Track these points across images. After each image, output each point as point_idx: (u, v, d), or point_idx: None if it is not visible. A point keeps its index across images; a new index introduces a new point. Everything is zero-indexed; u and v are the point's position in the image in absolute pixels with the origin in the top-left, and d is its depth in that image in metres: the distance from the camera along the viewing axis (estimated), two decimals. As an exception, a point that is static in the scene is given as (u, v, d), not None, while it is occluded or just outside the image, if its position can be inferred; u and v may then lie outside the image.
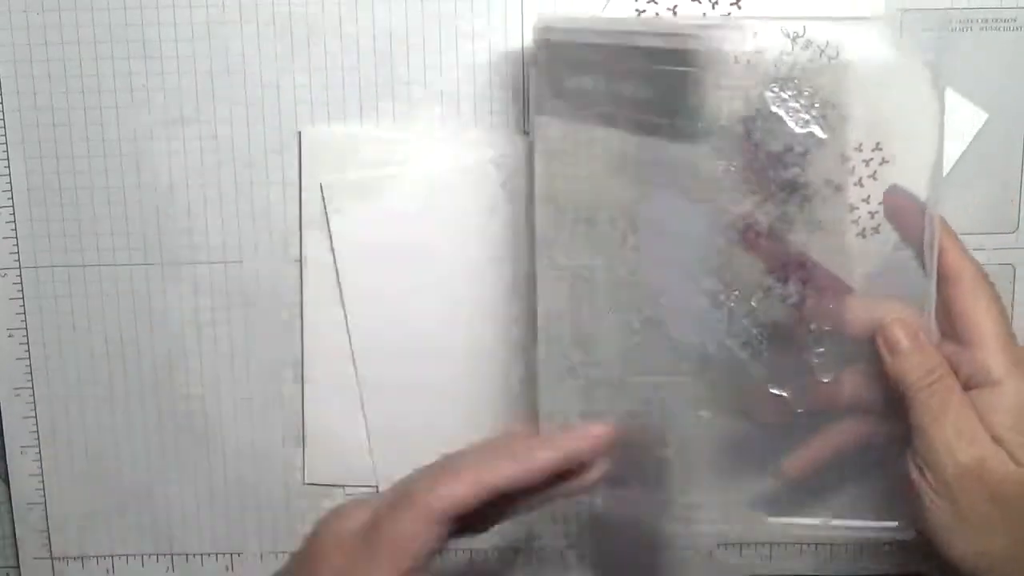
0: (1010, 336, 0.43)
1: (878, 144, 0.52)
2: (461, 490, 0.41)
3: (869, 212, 0.53)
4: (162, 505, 0.55)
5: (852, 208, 0.52)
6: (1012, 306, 0.54)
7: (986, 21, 0.52)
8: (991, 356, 0.42)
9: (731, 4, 0.51)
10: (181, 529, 0.56)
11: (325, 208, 0.52)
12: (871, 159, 0.52)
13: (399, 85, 0.52)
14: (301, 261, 0.53)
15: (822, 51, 0.51)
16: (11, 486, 0.55)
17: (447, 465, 0.43)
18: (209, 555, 0.56)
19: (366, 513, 0.42)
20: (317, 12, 0.51)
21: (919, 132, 0.52)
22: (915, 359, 0.42)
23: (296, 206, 0.52)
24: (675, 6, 0.51)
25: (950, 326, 0.44)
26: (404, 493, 0.41)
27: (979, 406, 0.41)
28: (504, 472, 0.42)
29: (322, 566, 0.41)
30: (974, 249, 0.53)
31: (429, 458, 0.49)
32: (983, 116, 0.52)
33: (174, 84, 0.51)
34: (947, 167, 0.53)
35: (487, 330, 0.53)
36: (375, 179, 0.52)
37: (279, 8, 0.51)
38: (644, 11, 0.51)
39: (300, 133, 0.52)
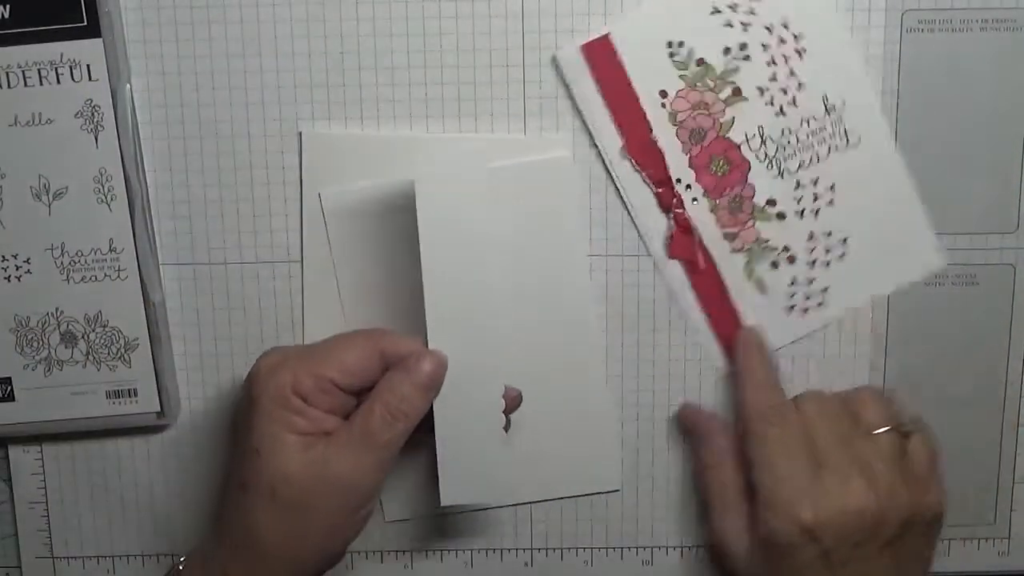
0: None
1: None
2: (404, 344, 0.47)
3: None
4: (162, 505, 0.55)
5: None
6: (1012, 306, 0.54)
7: (986, 21, 0.52)
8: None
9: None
10: (181, 529, 0.56)
11: (324, 208, 0.52)
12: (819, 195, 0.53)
13: (399, 86, 0.52)
14: (301, 261, 0.53)
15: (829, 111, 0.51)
16: (13, 486, 0.55)
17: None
18: (209, 555, 0.56)
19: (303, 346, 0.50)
20: (318, 12, 0.51)
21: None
22: (703, 444, 0.52)
23: (296, 206, 0.53)
24: None
25: None
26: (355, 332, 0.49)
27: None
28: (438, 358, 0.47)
29: (256, 366, 0.47)
30: (974, 249, 0.53)
31: (426, 456, 0.49)
32: (984, 116, 0.52)
33: (174, 83, 0.52)
34: (949, 166, 0.53)
35: (484, 331, 0.53)
36: (374, 179, 0.52)
37: (280, 8, 0.51)
38: None
39: (300, 133, 0.52)
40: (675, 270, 0.53)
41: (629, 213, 0.53)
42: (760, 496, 0.49)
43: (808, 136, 0.52)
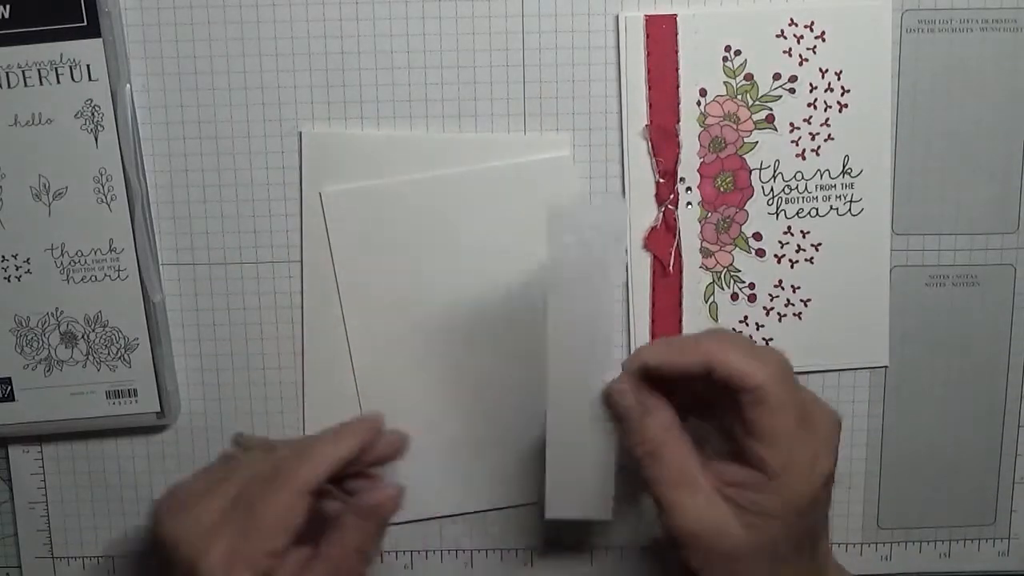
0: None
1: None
2: (323, 465, 0.44)
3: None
4: (163, 505, 0.55)
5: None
6: (1012, 306, 0.54)
7: (986, 21, 0.52)
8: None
9: None
10: (182, 529, 0.56)
11: (324, 208, 0.52)
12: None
13: (399, 86, 0.52)
14: (301, 261, 0.53)
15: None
16: (13, 486, 0.55)
17: (303, 446, 0.46)
18: (209, 555, 0.56)
19: (218, 501, 0.44)
20: (318, 12, 0.51)
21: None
22: (631, 430, 0.44)
23: (296, 206, 0.53)
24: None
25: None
26: (271, 475, 0.44)
27: (730, 475, 0.43)
28: (350, 445, 0.45)
29: (200, 563, 0.42)
30: (974, 249, 0.53)
31: (425, 457, 0.49)
32: (984, 116, 0.52)
33: (174, 83, 0.52)
34: (949, 166, 0.53)
35: (482, 331, 0.53)
36: (374, 180, 0.52)
37: (280, 8, 0.51)
38: None
39: (300, 133, 0.52)
40: (643, 268, 0.53)
41: (624, 195, 0.52)
42: (771, 466, 0.43)
43: (816, 188, 0.52)
